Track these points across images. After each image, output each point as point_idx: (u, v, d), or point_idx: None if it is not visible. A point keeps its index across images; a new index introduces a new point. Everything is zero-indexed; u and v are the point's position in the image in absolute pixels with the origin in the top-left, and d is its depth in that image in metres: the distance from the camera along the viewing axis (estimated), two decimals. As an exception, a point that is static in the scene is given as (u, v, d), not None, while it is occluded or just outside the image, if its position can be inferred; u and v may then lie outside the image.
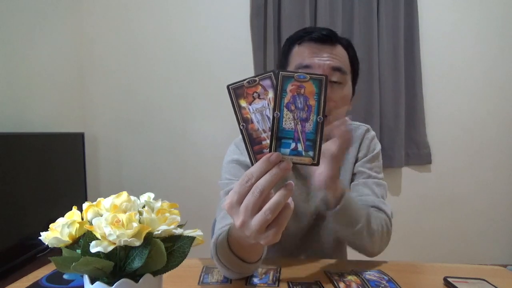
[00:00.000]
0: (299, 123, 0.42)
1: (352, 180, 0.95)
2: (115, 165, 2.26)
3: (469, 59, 2.34)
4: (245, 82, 0.43)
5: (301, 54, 0.84)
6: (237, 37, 2.22)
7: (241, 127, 0.43)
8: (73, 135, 1.89)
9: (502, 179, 2.38)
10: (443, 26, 2.32)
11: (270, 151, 0.43)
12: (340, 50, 0.85)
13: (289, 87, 0.42)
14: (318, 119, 0.42)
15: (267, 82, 0.43)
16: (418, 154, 2.33)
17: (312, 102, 0.42)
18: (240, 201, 0.44)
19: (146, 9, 2.21)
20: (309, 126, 0.42)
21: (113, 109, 2.24)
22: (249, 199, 0.43)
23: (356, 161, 0.95)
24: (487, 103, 2.36)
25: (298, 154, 0.43)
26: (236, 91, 0.43)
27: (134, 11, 2.21)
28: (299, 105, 0.42)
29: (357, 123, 1.01)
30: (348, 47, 0.88)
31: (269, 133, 0.43)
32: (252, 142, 0.43)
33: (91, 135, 2.15)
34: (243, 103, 0.43)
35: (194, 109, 2.25)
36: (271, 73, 0.43)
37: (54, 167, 1.67)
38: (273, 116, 0.42)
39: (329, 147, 0.69)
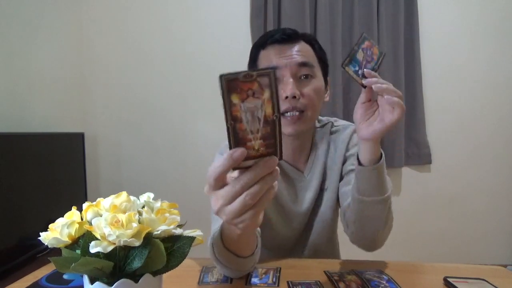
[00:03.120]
0: None
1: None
2: (115, 165, 2.26)
3: (469, 59, 2.34)
4: (240, 75, 0.38)
5: (267, 57, 0.89)
6: (237, 37, 2.22)
7: (229, 125, 0.39)
8: (73, 135, 1.89)
9: (501, 179, 2.38)
10: (443, 26, 2.32)
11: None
12: (303, 46, 0.88)
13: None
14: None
15: (265, 80, 0.38)
16: (418, 154, 2.32)
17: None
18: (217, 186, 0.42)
19: (146, 9, 2.21)
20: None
21: (113, 109, 2.23)
22: (229, 189, 0.41)
23: (345, 161, 0.93)
24: (487, 103, 2.36)
25: None
26: (230, 84, 0.39)
27: (134, 11, 2.21)
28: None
29: (344, 122, 1.00)
30: (312, 40, 0.91)
31: (257, 134, 0.39)
32: (236, 143, 0.40)
33: (91, 135, 2.15)
34: (235, 99, 0.39)
35: (194, 109, 2.25)
36: (271, 70, 0.38)
37: (54, 167, 1.67)
38: (273, 119, 0.39)
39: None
